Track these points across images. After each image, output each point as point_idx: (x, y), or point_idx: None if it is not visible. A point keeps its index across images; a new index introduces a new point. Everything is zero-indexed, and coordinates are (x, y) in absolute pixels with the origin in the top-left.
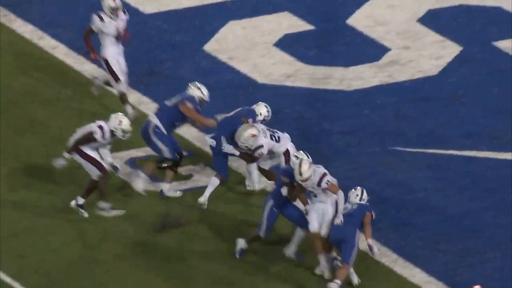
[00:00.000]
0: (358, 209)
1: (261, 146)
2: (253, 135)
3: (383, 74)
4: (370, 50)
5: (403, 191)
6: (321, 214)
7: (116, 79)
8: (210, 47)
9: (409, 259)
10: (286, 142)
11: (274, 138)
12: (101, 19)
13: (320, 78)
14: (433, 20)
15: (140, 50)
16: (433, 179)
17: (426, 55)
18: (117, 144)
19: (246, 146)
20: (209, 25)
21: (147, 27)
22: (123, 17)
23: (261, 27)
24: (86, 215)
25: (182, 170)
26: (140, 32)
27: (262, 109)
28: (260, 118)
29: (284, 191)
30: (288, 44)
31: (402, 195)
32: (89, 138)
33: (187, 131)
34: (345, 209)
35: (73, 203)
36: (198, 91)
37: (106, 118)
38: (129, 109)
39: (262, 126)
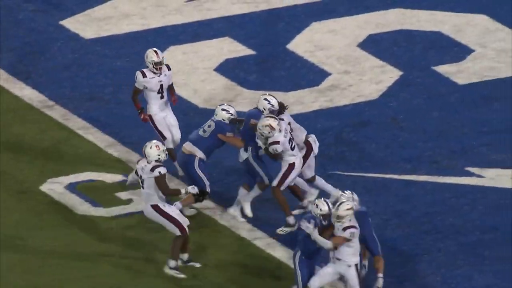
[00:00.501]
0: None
1: (277, 142)
2: (271, 126)
3: (323, 98)
4: (310, 75)
5: None
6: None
7: (163, 137)
8: None
9: None
10: (297, 156)
11: (291, 143)
12: (144, 75)
13: None
14: (373, 45)
15: (80, 75)
16: (372, 203)
17: (366, 80)
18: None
19: (262, 134)
20: None
21: (87, 52)
22: (167, 72)
23: (202, 52)
24: (182, 275)
25: (122, 194)
26: (81, 58)
27: (263, 104)
28: (266, 112)
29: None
30: (229, 69)
31: None
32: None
33: None
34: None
35: (166, 270)
36: (225, 113)
37: (45, 145)
38: (177, 166)
39: (286, 126)
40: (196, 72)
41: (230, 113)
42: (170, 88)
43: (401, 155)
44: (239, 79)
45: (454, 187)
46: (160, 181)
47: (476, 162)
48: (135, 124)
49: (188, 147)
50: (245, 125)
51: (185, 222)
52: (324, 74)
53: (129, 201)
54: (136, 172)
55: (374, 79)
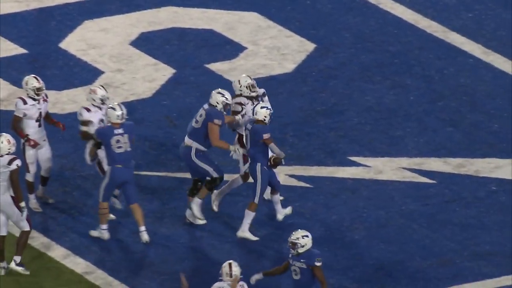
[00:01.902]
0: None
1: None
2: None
3: None
4: (83, 74)
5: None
6: None
7: (27, 169)
8: None
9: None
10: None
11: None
12: (25, 102)
13: None
14: (146, 43)
15: None
16: (147, 201)
17: (139, 78)
18: None
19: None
20: None
21: None
22: (46, 99)
23: None
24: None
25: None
26: None
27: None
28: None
29: None
30: (1, 68)
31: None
32: None
33: None
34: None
35: (12, 265)
36: (220, 96)
37: None
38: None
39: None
40: None
41: (227, 98)
42: (47, 116)
43: (175, 153)
44: (11, 78)
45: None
46: (15, 174)
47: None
48: None
49: (186, 140)
50: (252, 140)
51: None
52: (97, 73)
53: None
54: None
55: (147, 77)
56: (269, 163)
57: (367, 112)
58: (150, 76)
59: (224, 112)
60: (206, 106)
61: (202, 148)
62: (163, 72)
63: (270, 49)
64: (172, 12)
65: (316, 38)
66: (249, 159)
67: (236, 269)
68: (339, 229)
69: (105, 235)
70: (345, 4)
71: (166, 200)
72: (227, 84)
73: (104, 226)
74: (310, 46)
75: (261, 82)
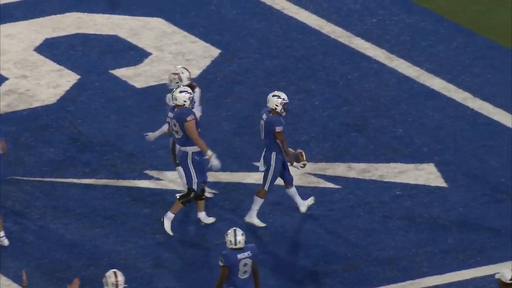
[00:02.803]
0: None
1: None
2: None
3: (2, 103)
4: None
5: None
6: None
7: None
8: None
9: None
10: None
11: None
12: None
13: None
14: (50, 49)
15: None
16: (51, 208)
17: (43, 84)
18: None
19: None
20: None
21: None
22: None
23: None
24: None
25: None
26: None
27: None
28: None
29: None
30: None
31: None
32: None
33: None
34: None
35: None
36: (186, 94)
37: None
38: None
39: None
40: None
41: (189, 93)
42: None
43: (80, 159)
44: None
45: (134, 190)
46: None
47: (154, 165)
48: None
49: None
50: (266, 130)
51: None
52: (1, 79)
53: None
54: None
55: (52, 83)
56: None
57: None
58: (54, 82)
59: None
60: (170, 114)
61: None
62: (68, 78)
63: (175, 54)
64: (77, 18)
65: (221, 43)
66: (264, 148)
67: (121, 279)
68: (245, 235)
69: (5, 242)
70: (249, 9)
71: (71, 206)
72: (131, 90)
73: (2, 233)
74: (215, 52)
75: (166, 88)
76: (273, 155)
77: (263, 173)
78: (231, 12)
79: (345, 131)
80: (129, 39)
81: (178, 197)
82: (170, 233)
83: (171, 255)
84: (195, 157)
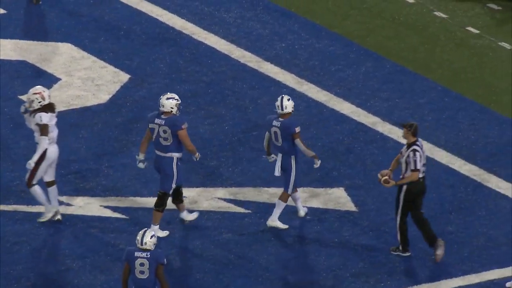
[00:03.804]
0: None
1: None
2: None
3: None
4: None
5: None
6: None
7: None
8: None
9: None
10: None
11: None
12: None
13: None
14: None
15: None
16: None
17: None
18: None
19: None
20: None
21: None
22: None
23: None
24: None
25: None
26: None
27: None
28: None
29: None
30: None
31: None
32: None
33: None
34: None
35: None
36: (173, 101)
37: None
38: None
39: None
40: None
41: (176, 99)
42: None
43: None
44: None
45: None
46: None
47: (64, 191)
48: None
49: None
50: (284, 134)
51: None
52: None
53: None
54: None
55: None
56: None
57: None
58: None
59: None
60: (158, 121)
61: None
62: None
63: (84, 80)
64: None
65: (130, 68)
66: (281, 153)
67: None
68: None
69: None
70: (158, 34)
71: None
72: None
73: None
74: (125, 77)
75: (75, 113)
76: (292, 158)
77: (284, 177)
78: (140, 37)
79: (255, 155)
80: (38, 64)
81: (154, 208)
82: (165, 233)
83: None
84: (179, 163)
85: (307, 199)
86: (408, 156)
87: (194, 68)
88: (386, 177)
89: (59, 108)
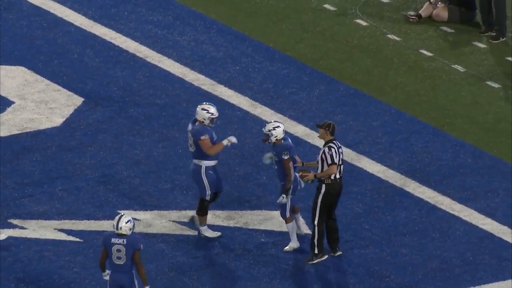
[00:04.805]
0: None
1: None
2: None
3: None
4: None
5: None
6: None
7: None
8: None
9: None
10: None
11: None
12: None
13: None
14: None
15: None
16: None
17: None
18: None
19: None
20: None
21: None
22: None
23: None
24: None
25: None
26: None
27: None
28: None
29: None
30: None
31: None
32: None
33: None
34: None
35: None
36: (205, 112)
37: None
38: None
39: None
40: None
41: (211, 113)
42: None
43: None
44: None
45: None
46: None
47: (18, 214)
48: None
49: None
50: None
51: None
52: None
53: None
54: None
55: None
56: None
57: (136, 165)
58: None
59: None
60: (190, 126)
61: (211, 163)
62: None
63: (38, 103)
64: None
65: (84, 92)
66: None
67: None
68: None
69: None
70: (112, 57)
71: None
72: None
73: None
74: (78, 100)
75: (29, 136)
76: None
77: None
78: (94, 60)
79: None
80: None
81: (196, 213)
82: (217, 233)
83: None
84: (209, 171)
85: (261, 222)
86: (324, 152)
87: (148, 91)
88: (301, 173)
89: (13, 131)
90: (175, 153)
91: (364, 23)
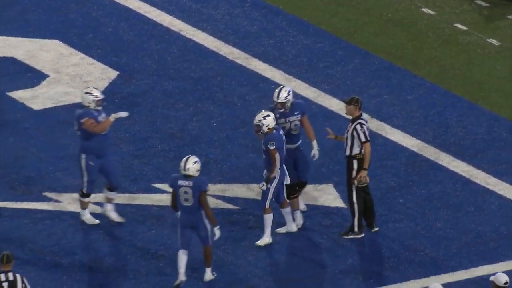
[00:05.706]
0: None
1: None
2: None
3: None
4: None
5: None
6: None
7: None
8: None
9: None
10: None
11: None
12: None
13: None
14: None
15: None
16: None
17: None
18: None
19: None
20: None
21: None
22: None
23: None
24: None
25: None
26: None
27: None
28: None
29: None
30: None
31: None
32: None
33: None
34: None
35: None
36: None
37: None
38: None
39: None
40: None
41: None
42: None
43: None
44: None
45: (32, 213)
46: None
47: (53, 187)
48: None
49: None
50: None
51: None
52: None
53: None
54: None
55: None
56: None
57: (170, 139)
58: None
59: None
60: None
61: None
62: None
63: (72, 76)
64: None
65: (119, 65)
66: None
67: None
68: (143, 257)
69: None
70: (147, 31)
71: None
72: (28, 112)
73: None
74: (113, 74)
75: (64, 110)
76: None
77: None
78: (128, 33)
79: (243, 152)
80: (26, 61)
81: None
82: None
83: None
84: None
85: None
86: (355, 129)
87: (182, 65)
88: (360, 177)
89: (47, 105)
90: (209, 126)
91: None
